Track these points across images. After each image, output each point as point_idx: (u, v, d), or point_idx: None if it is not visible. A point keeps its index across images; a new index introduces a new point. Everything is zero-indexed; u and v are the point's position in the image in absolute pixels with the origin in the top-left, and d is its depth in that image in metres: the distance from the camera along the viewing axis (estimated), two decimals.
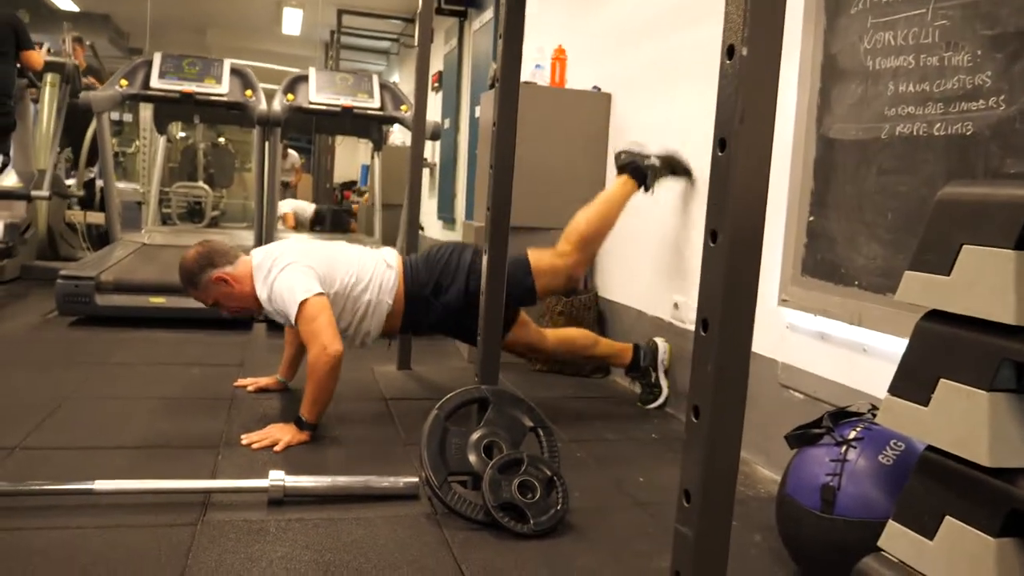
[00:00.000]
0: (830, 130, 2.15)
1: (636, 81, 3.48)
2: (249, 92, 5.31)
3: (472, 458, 1.98)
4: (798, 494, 1.63)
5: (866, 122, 2.02)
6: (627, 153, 2.98)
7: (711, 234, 0.95)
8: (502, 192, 2.02)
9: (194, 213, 8.12)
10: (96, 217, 6.08)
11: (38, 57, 5.18)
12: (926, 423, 1.13)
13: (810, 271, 2.22)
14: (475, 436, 2.02)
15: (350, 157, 12.53)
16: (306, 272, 2.48)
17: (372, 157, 6.85)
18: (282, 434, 2.37)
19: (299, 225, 8.71)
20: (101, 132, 5.19)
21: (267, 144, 5.30)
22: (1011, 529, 1.03)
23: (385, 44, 11.54)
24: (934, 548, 1.10)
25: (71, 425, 2.44)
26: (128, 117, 8.86)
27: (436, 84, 8.13)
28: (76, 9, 10.42)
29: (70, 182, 6.32)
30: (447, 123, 7.66)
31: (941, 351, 1.13)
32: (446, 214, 7.63)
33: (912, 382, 1.16)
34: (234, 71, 5.37)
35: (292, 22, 10.55)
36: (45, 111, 5.74)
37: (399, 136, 8.85)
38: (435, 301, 2.66)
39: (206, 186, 8.13)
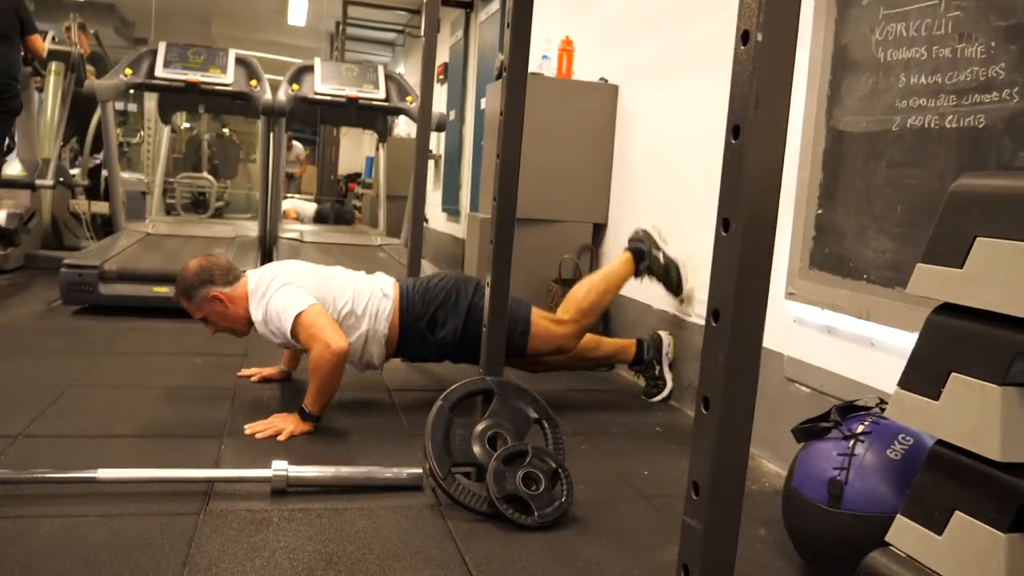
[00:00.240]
0: (840, 122, 2.13)
1: (643, 73, 3.46)
2: (254, 82, 5.30)
3: (476, 449, 1.97)
4: (805, 488, 1.62)
5: (877, 114, 2.00)
6: (644, 233, 2.99)
7: (723, 223, 0.94)
8: (508, 182, 2.01)
9: (198, 204, 8.12)
10: (100, 207, 6.08)
11: (42, 43, 5.16)
12: (937, 417, 1.12)
13: (818, 265, 2.20)
14: (479, 427, 2.01)
15: (355, 149, 12.52)
16: (300, 290, 2.47)
17: (377, 149, 6.84)
18: (285, 424, 2.37)
19: (301, 219, 8.68)
20: (106, 121, 5.17)
21: (272, 135, 5.29)
22: (1021, 524, 1.01)
23: (391, 35, 11.51)
24: (943, 543, 1.09)
25: (74, 413, 2.43)
26: (133, 107, 8.86)
27: (441, 76, 8.11)
28: None
29: (75, 171, 6.32)
30: (452, 115, 7.64)
31: (953, 344, 1.11)
32: (451, 206, 7.61)
33: (923, 376, 1.15)
34: (239, 61, 5.36)
35: (298, 12, 10.51)
36: (50, 100, 5.73)
37: (404, 128, 8.83)
38: (430, 335, 2.63)
39: (210, 177, 8.13)
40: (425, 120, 3.54)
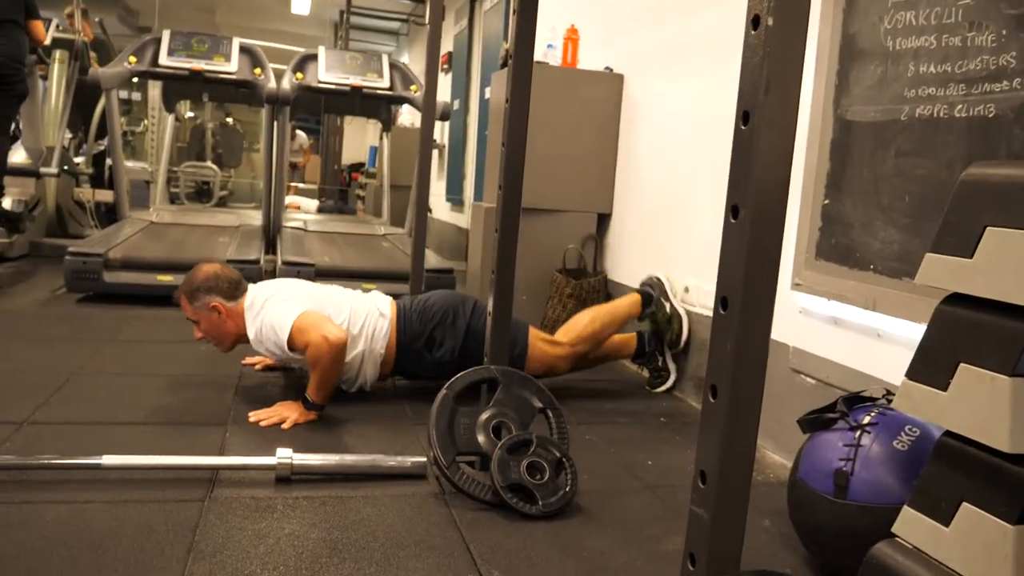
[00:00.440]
0: (847, 112, 2.12)
1: (649, 62, 3.44)
2: (258, 70, 5.29)
3: (481, 438, 1.97)
4: (810, 479, 1.62)
5: (885, 104, 1.99)
6: (657, 281, 3.02)
7: (732, 210, 0.93)
8: (514, 170, 2.00)
9: (202, 193, 8.12)
10: (104, 195, 6.08)
11: (42, 29, 5.14)
12: (945, 408, 1.11)
13: (824, 255, 2.19)
14: (484, 416, 2.01)
15: (359, 138, 12.51)
16: (295, 303, 2.46)
17: (381, 138, 6.83)
18: (290, 412, 2.37)
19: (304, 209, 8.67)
20: (110, 109, 5.17)
21: (276, 124, 5.28)
22: None
23: (395, 25, 11.48)
24: (950, 534, 1.08)
25: (79, 400, 2.44)
26: (137, 96, 8.84)
27: (446, 65, 8.08)
28: None
29: (79, 159, 6.31)
30: (456, 104, 7.62)
31: (962, 335, 1.11)
32: (455, 196, 7.60)
33: (931, 366, 1.14)
34: (243, 49, 5.34)
35: (301, 1, 10.48)
36: (54, 87, 5.72)
37: (408, 117, 8.81)
38: (427, 355, 2.62)
39: (214, 166, 8.13)
40: (429, 109, 3.53)
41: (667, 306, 2.98)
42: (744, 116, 0.90)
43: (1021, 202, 1.04)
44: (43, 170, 5.29)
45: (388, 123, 6.59)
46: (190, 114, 9.14)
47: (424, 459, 2.03)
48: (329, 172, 10.90)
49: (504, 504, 1.83)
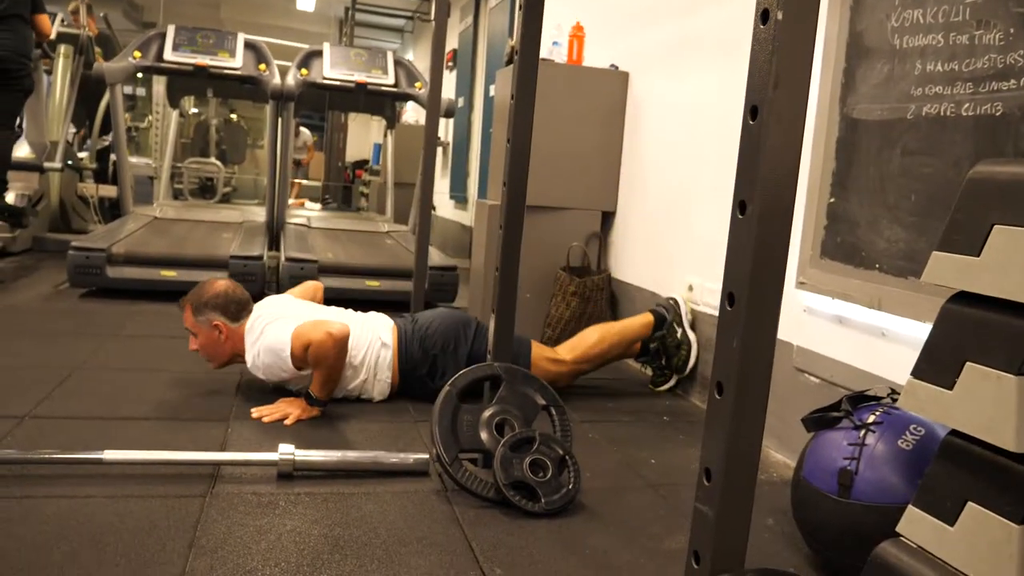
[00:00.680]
0: (854, 110, 2.11)
1: (655, 60, 3.43)
2: (263, 66, 5.28)
3: (484, 435, 1.96)
4: (814, 478, 1.61)
5: (891, 102, 1.98)
6: (674, 303, 2.98)
7: (739, 205, 0.92)
8: (519, 167, 1.99)
9: (206, 189, 8.13)
10: (108, 190, 6.08)
11: (48, 24, 5.14)
12: (950, 407, 1.10)
13: (829, 254, 2.18)
14: (487, 413, 2.00)
15: (363, 135, 12.49)
16: (290, 320, 2.43)
17: (385, 135, 6.82)
18: (292, 408, 2.37)
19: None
20: (114, 104, 5.17)
21: (280, 120, 5.27)
22: None
23: (399, 22, 11.47)
24: (955, 534, 1.07)
25: (81, 395, 2.44)
26: (141, 92, 8.85)
27: (450, 62, 8.08)
28: None
29: (83, 154, 6.31)
30: (461, 102, 7.61)
31: (969, 334, 1.10)
32: (459, 193, 7.60)
33: (937, 365, 1.13)
34: (248, 45, 5.34)
35: None
36: (58, 82, 5.72)
37: (412, 114, 8.81)
38: (430, 383, 2.58)
39: (218, 162, 8.13)
40: (434, 106, 3.52)
41: (679, 332, 2.95)
42: (753, 111, 0.89)
43: None
44: (47, 165, 5.30)
45: (392, 120, 6.58)
46: (194, 110, 9.14)
47: (426, 456, 2.03)
48: (333, 169, 10.89)
49: (507, 501, 1.82)
